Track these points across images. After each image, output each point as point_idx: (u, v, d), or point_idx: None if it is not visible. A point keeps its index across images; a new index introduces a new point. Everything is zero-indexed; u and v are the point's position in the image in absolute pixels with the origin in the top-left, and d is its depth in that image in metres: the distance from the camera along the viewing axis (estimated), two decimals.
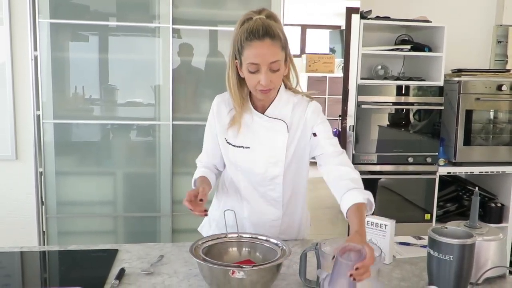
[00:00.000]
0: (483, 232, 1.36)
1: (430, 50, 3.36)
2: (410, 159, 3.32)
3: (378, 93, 3.27)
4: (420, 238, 1.76)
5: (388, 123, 3.35)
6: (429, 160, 3.34)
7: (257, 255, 1.42)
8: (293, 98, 1.57)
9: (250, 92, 1.55)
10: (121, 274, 1.38)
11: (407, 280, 1.41)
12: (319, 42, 7.89)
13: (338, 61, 7.17)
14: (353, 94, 3.34)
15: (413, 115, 3.40)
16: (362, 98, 3.25)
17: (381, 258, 1.27)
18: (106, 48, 2.80)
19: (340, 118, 4.09)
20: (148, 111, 2.85)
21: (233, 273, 1.19)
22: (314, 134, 1.55)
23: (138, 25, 2.76)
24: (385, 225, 1.51)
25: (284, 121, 1.55)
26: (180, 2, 2.76)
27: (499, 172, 3.41)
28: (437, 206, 3.44)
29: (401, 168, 3.35)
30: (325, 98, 7.15)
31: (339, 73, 6.91)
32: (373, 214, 1.54)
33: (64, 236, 2.83)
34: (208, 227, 1.77)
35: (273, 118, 1.55)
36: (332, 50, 7.60)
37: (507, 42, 3.71)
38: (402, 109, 3.36)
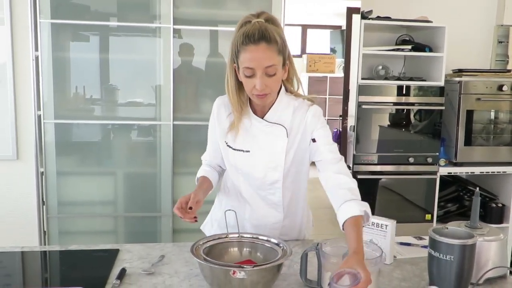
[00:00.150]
0: (484, 233, 1.36)
1: (430, 50, 3.36)
2: (411, 159, 3.32)
3: (378, 93, 3.27)
4: (420, 239, 1.76)
5: (388, 123, 3.35)
6: (429, 160, 3.34)
7: (258, 255, 1.42)
8: (294, 102, 1.55)
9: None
10: (122, 274, 1.38)
11: (407, 280, 1.41)
12: (319, 42, 7.90)
13: (339, 61, 7.18)
14: (353, 94, 3.34)
15: (414, 115, 3.40)
16: (363, 98, 3.25)
17: (382, 259, 1.27)
18: (107, 48, 2.80)
19: (341, 118, 4.09)
20: (148, 111, 2.85)
21: (234, 273, 1.19)
22: (314, 140, 1.53)
23: (139, 25, 2.76)
24: (386, 226, 1.51)
25: (283, 126, 1.53)
26: (181, 2, 2.76)
27: (499, 172, 3.41)
28: (438, 206, 3.44)
29: (402, 168, 3.35)
30: (326, 98, 7.16)
31: (339, 73, 6.91)
32: (373, 214, 1.54)
33: (65, 236, 2.83)
34: (210, 226, 1.78)
35: (272, 123, 1.53)
36: (332, 50, 7.61)
37: (508, 42, 3.71)
38: (403, 109, 3.36)
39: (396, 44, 3.51)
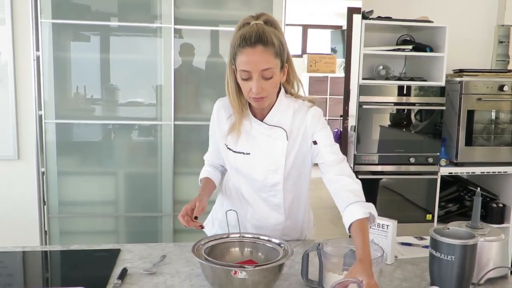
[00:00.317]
0: (485, 233, 1.36)
1: (431, 50, 3.36)
2: (412, 159, 3.32)
3: (379, 93, 3.27)
4: (421, 239, 1.76)
5: (389, 123, 3.35)
6: (430, 160, 3.34)
7: (259, 255, 1.42)
8: (294, 104, 1.54)
9: None
10: (123, 274, 1.38)
11: (409, 280, 1.41)
12: (320, 42, 7.90)
13: (340, 61, 7.17)
14: (354, 94, 3.34)
15: (415, 116, 3.39)
16: (364, 98, 3.25)
17: (383, 259, 1.27)
18: (107, 48, 2.80)
19: (342, 118, 4.10)
20: (149, 111, 2.85)
21: (235, 273, 1.19)
22: (315, 142, 1.52)
23: (140, 25, 2.76)
24: (387, 226, 1.51)
25: (283, 129, 1.52)
26: (182, 2, 2.76)
27: (500, 172, 3.41)
28: (439, 207, 3.44)
29: (403, 168, 3.35)
30: (327, 98, 7.15)
31: (340, 73, 6.91)
32: None
33: (66, 236, 2.83)
34: (211, 226, 1.78)
35: (272, 125, 1.53)
36: (333, 50, 7.61)
37: (508, 42, 3.71)
38: (404, 109, 3.36)
39: (397, 44, 3.51)
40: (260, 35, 1.36)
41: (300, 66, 7.18)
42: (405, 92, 3.30)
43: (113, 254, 1.54)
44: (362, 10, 3.30)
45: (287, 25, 2.80)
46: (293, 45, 7.71)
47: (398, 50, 3.37)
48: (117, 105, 2.84)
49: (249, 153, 1.55)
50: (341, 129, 4.11)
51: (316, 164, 1.58)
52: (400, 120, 3.37)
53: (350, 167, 3.32)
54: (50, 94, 2.71)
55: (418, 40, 3.49)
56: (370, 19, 3.23)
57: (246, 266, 1.21)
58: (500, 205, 3.45)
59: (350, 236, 1.35)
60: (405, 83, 3.31)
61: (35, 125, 2.70)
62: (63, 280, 1.45)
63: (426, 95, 3.31)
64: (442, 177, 3.38)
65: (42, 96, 2.69)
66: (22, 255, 1.57)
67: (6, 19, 2.80)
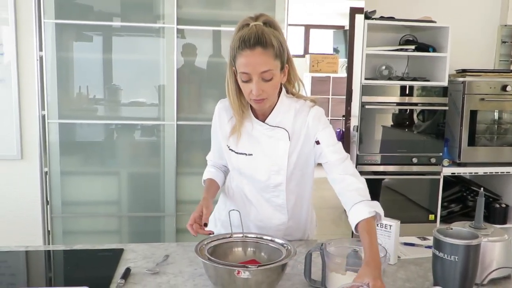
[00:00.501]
0: (488, 233, 1.35)
1: (434, 50, 3.36)
2: (414, 160, 3.32)
3: (382, 94, 3.27)
4: (424, 239, 1.75)
5: (392, 123, 3.35)
6: (433, 160, 3.33)
7: (262, 255, 1.42)
8: (295, 104, 1.54)
9: None
10: (126, 273, 1.38)
11: (412, 280, 1.41)
12: (322, 42, 7.89)
13: (342, 61, 7.17)
14: (357, 94, 3.34)
15: (417, 116, 3.39)
16: (366, 99, 3.24)
17: (386, 259, 1.27)
18: (110, 48, 2.81)
19: (344, 118, 4.09)
20: (152, 111, 2.85)
21: (238, 273, 1.19)
22: (317, 142, 1.52)
23: (142, 26, 2.77)
24: (390, 226, 1.51)
25: (285, 129, 1.52)
26: (184, 3, 2.76)
27: (503, 172, 3.40)
28: (441, 207, 3.44)
29: (405, 168, 3.34)
30: (329, 98, 7.15)
31: (342, 73, 6.90)
32: None
33: (68, 236, 2.84)
34: (213, 226, 1.77)
35: (274, 126, 1.52)
36: (335, 50, 7.60)
37: (511, 42, 3.70)
38: (406, 110, 3.36)
39: (400, 44, 3.50)
40: (259, 37, 1.36)
41: (302, 66, 7.17)
42: (407, 92, 3.29)
43: (116, 254, 1.54)
44: (364, 10, 3.29)
45: (289, 25, 2.80)
46: (295, 45, 7.71)
47: (401, 50, 3.37)
48: (120, 105, 2.85)
49: (251, 154, 1.55)
50: (344, 129, 4.11)
51: (319, 164, 1.59)
52: (402, 120, 3.37)
53: None
54: (53, 94, 2.71)
55: (420, 40, 3.49)
56: (372, 19, 3.23)
57: (249, 266, 1.21)
58: (503, 205, 3.44)
59: (352, 236, 1.35)
60: (407, 83, 3.31)
61: (38, 125, 2.71)
62: (66, 279, 1.45)
63: (429, 95, 3.31)
64: (444, 177, 3.38)
65: (45, 96, 2.69)
66: (25, 254, 1.57)
67: (9, 19, 2.81)
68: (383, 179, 3.37)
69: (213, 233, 1.45)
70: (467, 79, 3.29)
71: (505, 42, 3.72)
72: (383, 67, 3.40)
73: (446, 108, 3.31)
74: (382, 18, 3.28)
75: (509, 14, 3.69)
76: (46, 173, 2.77)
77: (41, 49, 2.66)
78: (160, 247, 1.62)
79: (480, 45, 3.72)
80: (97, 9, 2.73)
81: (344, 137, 4.08)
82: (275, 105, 1.52)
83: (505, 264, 1.35)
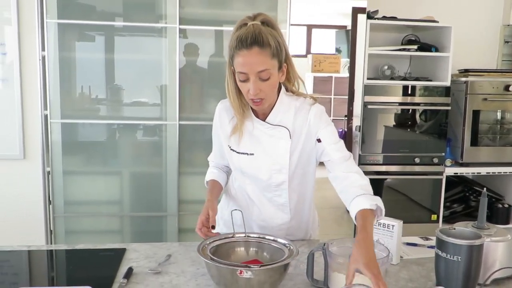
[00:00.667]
0: (491, 233, 1.35)
1: (437, 50, 3.35)
2: (417, 160, 3.31)
3: (384, 93, 3.26)
4: (427, 239, 1.75)
5: (394, 123, 3.34)
6: (435, 160, 3.33)
7: (264, 255, 1.41)
8: (295, 102, 1.54)
9: None
10: (129, 273, 1.38)
11: (414, 281, 1.40)
12: (325, 42, 7.88)
13: (344, 61, 7.16)
14: (359, 94, 3.33)
15: (420, 116, 3.39)
16: (369, 98, 3.24)
17: (389, 259, 1.27)
18: (112, 48, 2.81)
19: (346, 118, 4.09)
20: (154, 111, 2.86)
21: (240, 272, 1.19)
22: (319, 140, 1.52)
23: (145, 25, 2.77)
24: (393, 226, 1.50)
25: (286, 128, 1.52)
26: (186, 2, 2.76)
27: (506, 172, 3.40)
28: (444, 207, 3.43)
29: (408, 168, 3.34)
30: (331, 98, 7.14)
31: (344, 73, 6.89)
32: None
33: (71, 235, 2.84)
34: (216, 226, 1.78)
35: (274, 125, 1.53)
36: (338, 50, 7.59)
37: None
38: (409, 110, 3.35)
39: (402, 44, 3.50)
40: (256, 36, 1.36)
41: (304, 66, 7.17)
42: (410, 92, 3.29)
43: (119, 254, 1.54)
44: (367, 10, 3.29)
45: (291, 25, 2.80)
46: (297, 45, 7.70)
47: (403, 50, 3.36)
48: (122, 105, 2.85)
49: (252, 154, 1.56)
50: (346, 129, 4.10)
51: (321, 164, 1.58)
52: (405, 120, 3.36)
53: None
54: (56, 94, 2.72)
55: (423, 40, 3.48)
56: (375, 19, 3.22)
57: (252, 266, 1.21)
58: (506, 205, 3.43)
59: (355, 236, 1.35)
60: (410, 83, 3.30)
61: (41, 124, 2.72)
62: (68, 279, 1.45)
63: (431, 95, 3.30)
64: (447, 177, 3.37)
65: (48, 96, 2.70)
66: (28, 254, 1.57)
67: (12, 19, 2.82)
68: (386, 179, 3.36)
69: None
70: (470, 79, 3.28)
71: (508, 42, 3.71)
72: (386, 67, 3.39)
73: (449, 108, 3.31)
74: (384, 18, 3.27)
75: None
76: (48, 172, 2.77)
77: (43, 49, 2.67)
78: (162, 247, 1.62)
79: (482, 45, 3.71)
80: (99, 9, 2.73)
81: (346, 137, 4.07)
82: (275, 104, 1.52)
83: (508, 264, 1.35)
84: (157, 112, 2.85)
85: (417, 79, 3.37)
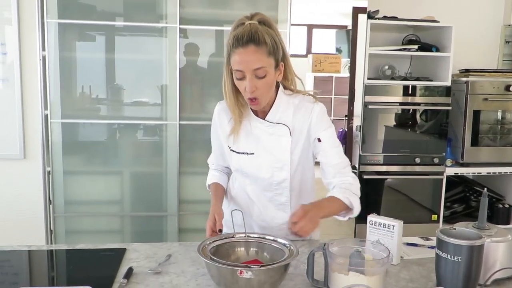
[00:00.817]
0: (491, 233, 1.34)
1: (437, 50, 3.35)
2: (417, 160, 3.31)
3: (385, 93, 3.26)
4: (427, 239, 1.75)
5: (395, 123, 3.34)
6: (436, 160, 3.32)
7: (264, 255, 1.41)
8: (294, 100, 1.55)
9: None
10: (129, 273, 1.38)
11: (415, 281, 1.40)
12: (325, 42, 7.88)
13: (344, 61, 7.15)
14: (359, 94, 3.33)
15: (420, 116, 3.38)
16: (369, 98, 3.24)
17: (389, 259, 1.26)
18: (113, 48, 2.81)
19: (347, 118, 4.09)
20: (154, 111, 2.85)
21: (241, 273, 1.19)
22: (319, 140, 1.53)
23: (145, 25, 2.77)
24: (393, 226, 1.50)
25: (286, 125, 1.53)
26: (187, 2, 2.76)
27: (507, 173, 3.40)
28: (444, 207, 3.43)
29: (408, 168, 3.33)
30: (331, 98, 7.13)
31: (345, 73, 6.89)
32: (379, 214, 1.54)
33: (71, 235, 2.84)
34: None
35: (274, 123, 1.53)
36: (338, 50, 7.58)
37: None
38: (409, 110, 3.35)
39: (403, 44, 3.50)
40: (253, 34, 1.37)
41: (304, 66, 7.16)
42: (410, 92, 3.28)
43: (119, 254, 1.54)
44: (367, 10, 3.29)
45: (292, 24, 2.80)
46: (298, 45, 7.70)
47: (404, 50, 3.36)
48: (123, 105, 2.85)
49: (252, 153, 1.56)
50: (346, 129, 4.10)
51: (317, 165, 1.60)
52: (405, 120, 3.36)
53: (355, 167, 3.33)
54: (56, 94, 2.72)
55: (424, 40, 3.48)
56: (375, 18, 3.22)
57: (252, 266, 1.21)
58: (506, 205, 3.43)
59: (355, 236, 1.36)
60: (410, 83, 3.30)
61: (41, 124, 2.72)
62: (68, 279, 1.45)
63: (432, 95, 3.30)
64: (447, 177, 3.37)
65: (48, 96, 2.70)
66: (28, 254, 1.57)
67: (12, 19, 2.82)
68: (386, 179, 3.36)
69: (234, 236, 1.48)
70: (470, 79, 3.28)
71: (508, 42, 3.71)
72: (386, 67, 3.39)
73: (449, 108, 3.30)
74: (385, 17, 3.27)
75: None
76: (48, 172, 2.77)
77: (44, 49, 2.67)
78: (162, 247, 1.62)
79: (483, 45, 3.71)
80: (99, 8, 2.73)
81: (346, 137, 4.07)
82: (273, 102, 1.53)
83: (508, 265, 1.34)
84: (158, 112, 2.85)
85: (417, 79, 3.37)
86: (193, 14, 2.79)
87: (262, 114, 1.55)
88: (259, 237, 1.45)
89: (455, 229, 1.31)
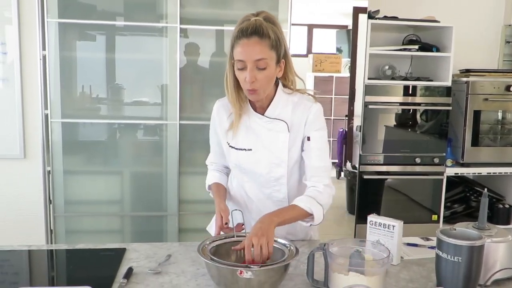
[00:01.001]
0: (492, 234, 1.34)
1: (438, 50, 3.34)
2: (418, 160, 3.31)
3: (385, 93, 3.26)
4: (427, 239, 1.75)
5: (395, 123, 3.34)
6: (436, 160, 3.32)
7: None
8: (292, 98, 1.57)
9: None
10: (129, 273, 1.38)
11: (415, 281, 1.40)
12: (325, 41, 7.87)
13: (345, 61, 7.15)
14: (360, 94, 3.33)
15: (421, 116, 3.38)
16: (369, 98, 3.24)
17: (389, 259, 1.26)
18: (113, 48, 2.81)
19: (347, 118, 4.09)
20: (155, 111, 2.85)
21: (241, 273, 1.19)
22: (308, 138, 1.55)
23: (145, 25, 2.77)
24: (393, 226, 1.50)
25: (284, 121, 1.54)
26: (187, 2, 2.76)
27: (507, 173, 3.39)
28: (444, 207, 3.43)
29: (408, 168, 3.33)
30: (332, 98, 7.13)
31: (345, 73, 6.88)
32: (379, 214, 1.54)
33: (71, 235, 2.84)
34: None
35: (273, 118, 1.55)
36: (338, 50, 7.58)
37: None
38: (409, 110, 3.35)
39: (403, 44, 3.49)
40: (257, 27, 1.41)
41: (305, 66, 7.16)
42: (411, 92, 3.28)
43: (119, 254, 1.54)
44: (368, 10, 3.29)
45: (292, 24, 2.79)
46: (298, 44, 7.69)
47: (404, 50, 3.36)
48: (123, 105, 2.85)
49: (251, 149, 1.57)
50: (346, 129, 4.10)
51: None
52: (406, 120, 3.36)
53: (355, 167, 3.32)
54: (56, 93, 2.72)
55: (424, 40, 3.48)
56: (376, 18, 3.22)
57: (252, 266, 1.21)
58: (507, 206, 3.42)
59: (355, 236, 1.36)
60: (411, 83, 3.30)
61: (41, 124, 2.72)
62: (68, 279, 1.45)
63: (432, 95, 3.30)
64: (448, 177, 3.37)
65: (48, 95, 2.70)
66: (28, 254, 1.57)
67: (13, 18, 2.82)
68: (386, 179, 3.36)
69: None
70: (471, 79, 3.28)
71: (509, 42, 3.71)
72: (387, 67, 3.39)
73: (450, 108, 3.30)
74: (385, 17, 3.27)
75: None
76: (49, 172, 2.77)
77: (44, 48, 2.67)
78: (162, 247, 1.62)
79: (484, 45, 3.71)
80: (100, 8, 2.73)
81: (347, 137, 4.07)
82: (272, 98, 1.55)
83: (508, 265, 1.34)
84: (158, 111, 2.85)
85: (418, 79, 3.36)
86: (194, 14, 2.79)
87: (261, 110, 1.56)
88: None
89: (455, 229, 1.31)
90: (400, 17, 3.29)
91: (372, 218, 1.52)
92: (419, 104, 3.31)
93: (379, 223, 1.52)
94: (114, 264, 1.46)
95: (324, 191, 1.53)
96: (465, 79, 3.30)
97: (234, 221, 1.49)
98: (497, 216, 3.39)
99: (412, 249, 1.65)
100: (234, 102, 1.52)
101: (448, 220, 3.45)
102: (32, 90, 2.85)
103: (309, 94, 1.58)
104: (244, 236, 1.44)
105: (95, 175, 2.88)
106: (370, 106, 3.23)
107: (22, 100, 2.88)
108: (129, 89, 2.85)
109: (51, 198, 2.79)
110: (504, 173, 3.39)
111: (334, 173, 5.28)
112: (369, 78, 3.27)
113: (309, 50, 7.92)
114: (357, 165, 3.30)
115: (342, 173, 4.67)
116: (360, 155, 3.27)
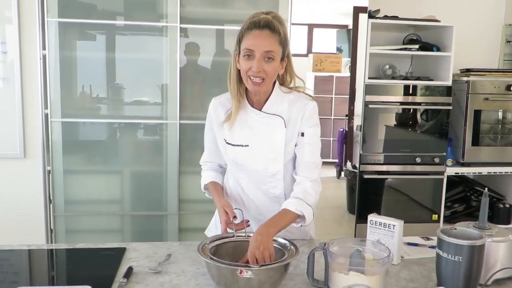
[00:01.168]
0: (492, 233, 1.34)
1: (438, 49, 3.34)
2: (418, 159, 3.31)
3: (385, 93, 3.26)
4: (428, 239, 1.75)
5: (395, 123, 3.34)
6: (436, 160, 3.32)
7: None
8: (289, 96, 1.59)
9: (246, 90, 1.56)
10: (129, 272, 1.38)
11: (415, 281, 1.40)
12: (326, 41, 7.87)
13: (345, 60, 7.15)
14: (360, 93, 3.33)
15: (421, 115, 3.38)
16: (370, 98, 3.24)
17: (389, 259, 1.26)
18: (113, 47, 2.81)
19: (347, 117, 4.09)
20: (155, 110, 2.85)
21: (241, 272, 1.19)
22: (302, 134, 1.57)
23: (146, 24, 2.76)
24: (394, 226, 1.50)
25: (281, 117, 1.56)
26: (188, 2, 2.76)
27: (507, 172, 3.39)
28: (445, 207, 3.43)
29: (409, 168, 3.33)
30: (332, 97, 7.13)
31: (345, 73, 6.88)
32: (379, 214, 1.54)
33: (71, 234, 2.84)
34: (214, 229, 1.76)
35: (270, 114, 1.56)
36: (339, 50, 7.58)
37: None
38: (410, 109, 3.35)
39: (404, 44, 3.49)
40: (269, 22, 1.46)
41: (305, 66, 7.16)
42: (411, 92, 3.28)
43: (119, 253, 1.54)
44: (368, 9, 3.28)
45: (292, 24, 2.79)
46: (298, 44, 7.69)
47: (405, 49, 3.36)
48: (123, 104, 2.85)
49: (247, 145, 1.58)
50: (347, 129, 4.10)
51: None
52: (406, 119, 3.36)
53: (355, 166, 3.32)
54: (56, 93, 2.71)
55: (424, 39, 3.47)
56: (376, 18, 3.22)
57: (252, 266, 1.21)
58: (507, 205, 3.42)
59: (355, 236, 1.35)
60: (411, 82, 3.30)
61: (41, 123, 2.71)
62: (68, 278, 1.45)
63: (433, 95, 3.30)
64: (448, 177, 3.37)
65: (48, 95, 2.70)
66: (28, 253, 1.57)
67: (13, 18, 2.81)
68: (386, 178, 3.36)
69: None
70: (471, 78, 3.28)
71: (509, 41, 3.70)
72: (387, 67, 3.38)
73: (450, 107, 3.30)
74: (386, 17, 3.27)
75: None
76: (49, 171, 2.77)
77: (44, 48, 2.66)
78: (162, 246, 1.62)
79: (484, 45, 3.71)
80: (100, 7, 2.73)
81: (347, 137, 4.07)
82: (270, 94, 1.57)
83: (509, 265, 1.34)
84: (158, 111, 2.85)
85: (418, 78, 3.36)
86: (194, 13, 2.79)
87: (258, 106, 1.58)
88: None
89: (455, 229, 1.31)
90: (400, 17, 3.29)
91: (372, 217, 1.52)
92: (419, 104, 3.31)
93: (380, 222, 1.52)
94: (114, 263, 1.46)
95: (312, 188, 1.55)
96: (465, 78, 3.30)
97: (234, 221, 1.49)
98: (498, 215, 3.39)
99: (413, 249, 1.65)
100: (235, 95, 1.55)
101: (449, 219, 3.44)
102: (32, 89, 2.85)
103: (307, 94, 1.60)
104: (244, 236, 1.44)
105: (95, 175, 2.88)
106: (371, 106, 3.23)
107: (22, 99, 2.88)
108: (129, 89, 2.85)
109: (51, 198, 2.79)
110: (505, 172, 3.39)
111: (334, 172, 5.29)
112: (369, 78, 3.27)
113: (309, 50, 7.92)
114: (357, 165, 3.30)
115: (343, 173, 4.68)
116: (360, 154, 3.27)
